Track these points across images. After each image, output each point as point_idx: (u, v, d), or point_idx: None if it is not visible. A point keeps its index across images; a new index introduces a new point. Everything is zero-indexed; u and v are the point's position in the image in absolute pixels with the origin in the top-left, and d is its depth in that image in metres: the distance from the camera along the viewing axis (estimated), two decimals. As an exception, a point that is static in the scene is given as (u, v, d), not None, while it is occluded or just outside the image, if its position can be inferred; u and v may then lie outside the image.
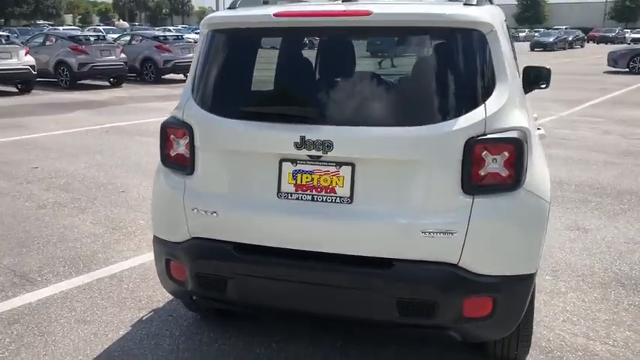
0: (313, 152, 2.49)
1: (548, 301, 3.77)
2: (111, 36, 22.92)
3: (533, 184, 2.52)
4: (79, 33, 20.43)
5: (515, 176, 2.42)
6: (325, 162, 2.52)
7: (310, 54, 3.02)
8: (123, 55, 17.58)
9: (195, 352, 3.16)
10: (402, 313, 2.49)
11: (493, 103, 2.45)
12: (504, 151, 2.40)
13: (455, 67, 2.52)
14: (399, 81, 2.64)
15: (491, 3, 3.31)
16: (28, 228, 5.08)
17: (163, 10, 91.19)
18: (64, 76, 16.82)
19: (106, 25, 57.75)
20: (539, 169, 2.64)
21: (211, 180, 2.71)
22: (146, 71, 18.88)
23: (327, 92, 2.71)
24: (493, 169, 2.40)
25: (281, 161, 2.57)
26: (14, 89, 15.78)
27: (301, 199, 2.56)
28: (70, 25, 55.78)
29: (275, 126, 2.57)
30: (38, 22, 56.60)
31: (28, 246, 4.67)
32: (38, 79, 16.03)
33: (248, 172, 2.65)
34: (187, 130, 2.71)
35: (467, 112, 2.42)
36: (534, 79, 4.31)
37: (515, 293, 2.53)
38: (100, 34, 21.08)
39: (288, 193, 2.58)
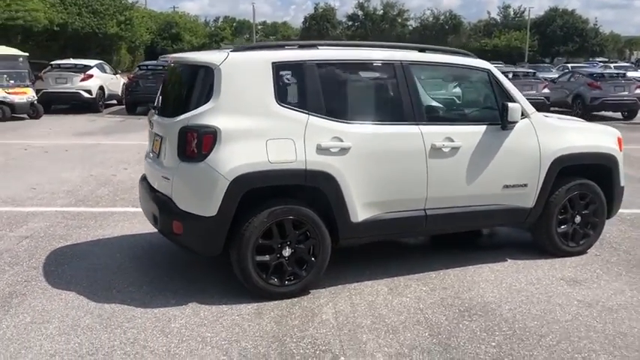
0: (152, 130, 4.77)
1: (390, 299, 4.35)
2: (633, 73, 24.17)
3: (215, 161, 4.03)
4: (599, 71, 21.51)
5: (198, 153, 4.05)
6: (156, 135, 4.66)
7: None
8: (638, 91, 18.22)
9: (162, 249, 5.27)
10: (155, 221, 4.42)
11: (201, 109, 4.11)
12: (194, 137, 4.06)
13: (190, 87, 4.37)
14: (175, 93, 4.76)
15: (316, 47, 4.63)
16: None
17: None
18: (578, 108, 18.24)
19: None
20: (236, 156, 4.03)
21: (148, 143, 5.02)
22: (575, 107, 18.77)
23: (160, 97, 4.94)
24: (192, 147, 4.07)
25: (154, 134, 4.74)
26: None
27: (153, 155, 4.72)
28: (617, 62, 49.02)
29: (152, 114, 4.89)
30: (595, 60, 52.93)
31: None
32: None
33: (150, 139, 4.90)
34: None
35: (185, 112, 4.17)
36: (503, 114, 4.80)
37: (194, 225, 4.09)
38: (621, 71, 22.12)
39: (152, 151, 4.77)
